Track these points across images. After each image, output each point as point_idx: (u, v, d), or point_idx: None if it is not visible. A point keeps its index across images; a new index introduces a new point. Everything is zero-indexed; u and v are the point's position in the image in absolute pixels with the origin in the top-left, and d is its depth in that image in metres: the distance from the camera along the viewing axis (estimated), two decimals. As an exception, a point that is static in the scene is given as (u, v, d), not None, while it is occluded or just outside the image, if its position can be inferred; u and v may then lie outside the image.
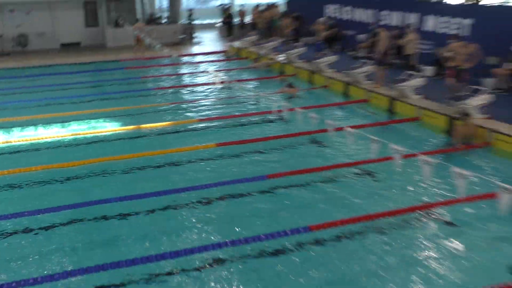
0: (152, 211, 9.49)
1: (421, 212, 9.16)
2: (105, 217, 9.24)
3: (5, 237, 8.57)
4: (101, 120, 15.07)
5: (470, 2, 29.86)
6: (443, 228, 8.81)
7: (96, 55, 25.66)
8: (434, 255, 8.02)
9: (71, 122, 14.83)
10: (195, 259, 7.82)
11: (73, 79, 21.12)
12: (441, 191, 9.90)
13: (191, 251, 7.91)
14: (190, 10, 30.83)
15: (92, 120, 15.01)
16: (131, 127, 14.16)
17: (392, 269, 7.72)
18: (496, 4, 28.77)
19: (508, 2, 34.51)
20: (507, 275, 7.31)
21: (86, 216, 9.20)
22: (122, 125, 14.57)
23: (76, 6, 28.28)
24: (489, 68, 15.75)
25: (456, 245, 8.32)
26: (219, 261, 7.86)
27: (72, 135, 13.74)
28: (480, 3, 25.54)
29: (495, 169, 10.77)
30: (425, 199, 9.74)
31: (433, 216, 9.11)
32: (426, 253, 8.10)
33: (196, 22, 31.08)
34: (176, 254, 7.81)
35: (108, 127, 14.55)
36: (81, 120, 15.03)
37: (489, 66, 15.78)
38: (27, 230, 8.75)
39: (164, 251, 7.92)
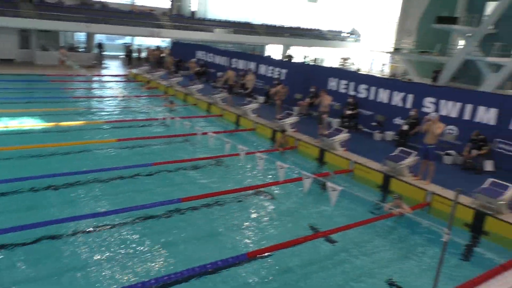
0: (63, 186, 8.69)
1: (255, 190, 9.36)
2: (34, 189, 8.33)
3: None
4: (29, 117, 13.47)
5: (286, 59, 31.43)
6: (267, 201, 9.08)
7: (27, 70, 22.91)
8: (261, 219, 8.23)
9: (4, 118, 13.07)
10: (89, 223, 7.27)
11: (8, 85, 18.61)
12: (269, 176, 10.20)
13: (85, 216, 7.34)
14: (101, 44, 28.73)
15: (23, 117, 13.38)
16: (52, 123, 12.76)
17: (235, 228, 7.77)
18: (300, 62, 30.33)
19: (307, 61, 36.83)
20: (305, 230, 7.68)
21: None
22: (46, 122, 13.12)
23: (13, 32, 25.24)
24: (296, 101, 16.56)
25: (275, 211, 8.61)
26: (112, 225, 7.33)
27: (5, 127, 12.18)
28: (292, 60, 26.62)
29: (300, 163, 11.23)
30: (258, 181, 9.98)
31: (262, 193, 9.35)
32: (255, 217, 8.28)
33: (106, 53, 28.86)
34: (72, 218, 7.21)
35: (34, 123, 13.07)
36: (13, 117, 13.30)
37: (296, 99, 16.61)
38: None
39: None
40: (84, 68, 22.12)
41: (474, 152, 10.47)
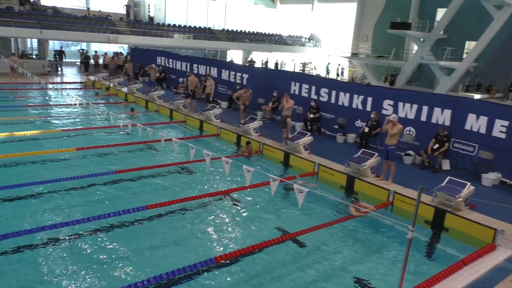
0: (19, 197, 8.33)
1: (222, 195, 9.28)
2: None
3: None
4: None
5: (247, 64, 31.60)
6: (234, 205, 9.03)
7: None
8: (229, 223, 8.17)
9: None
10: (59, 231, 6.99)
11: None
12: (236, 181, 10.15)
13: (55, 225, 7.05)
14: (55, 50, 27.70)
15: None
16: (5, 134, 12.10)
17: (203, 233, 7.68)
18: (261, 67, 30.51)
19: (268, 66, 37.14)
20: (270, 233, 7.67)
21: None
22: (-1, 132, 12.45)
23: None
24: (260, 105, 16.65)
25: (242, 215, 8.57)
26: (75, 236, 7.08)
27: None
28: (254, 65, 26.71)
29: (266, 167, 11.31)
30: (224, 186, 9.90)
31: (229, 198, 9.28)
32: (223, 222, 8.21)
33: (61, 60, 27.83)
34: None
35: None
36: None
37: (259, 104, 16.69)
38: None
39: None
40: (38, 76, 21.23)
41: (436, 147, 10.82)
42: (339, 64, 38.18)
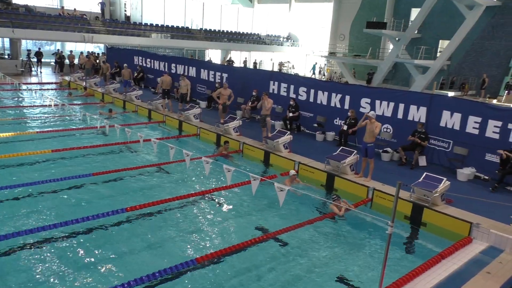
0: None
1: (202, 195, 9.21)
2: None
3: None
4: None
5: (226, 64, 31.52)
6: (215, 205, 8.98)
7: None
8: (210, 224, 8.12)
9: None
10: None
11: None
12: (215, 181, 10.09)
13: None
14: (29, 50, 26.97)
15: None
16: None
17: (183, 234, 7.60)
18: (240, 67, 30.46)
19: (245, 66, 37.12)
20: (252, 233, 7.66)
21: None
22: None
23: None
24: (239, 104, 16.61)
25: (223, 215, 8.54)
26: (53, 240, 6.92)
27: None
28: (233, 64, 26.61)
29: (246, 166, 11.30)
30: (205, 186, 9.83)
31: (209, 198, 9.22)
32: (204, 223, 8.15)
33: (34, 59, 27.08)
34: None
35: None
36: None
37: (239, 103, 16.65)
38: None
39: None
40: (10, 76, 20.65)
41: (416, 141, 11.05)
42: (316, 63, 38.47)
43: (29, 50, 26.81)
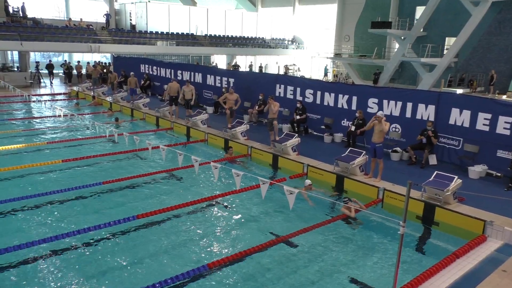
0: (8, 212, 8.16)
1: (212, 201, 9.21)
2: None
3: None
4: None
5: (232, 69, 31.63)
6: (225, 210, 8.97)
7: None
8: (221, 229, 8.11)
9: None
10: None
11: None
12: (225, 186, 10.09)
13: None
14: (37, 62, 27.30)
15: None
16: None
17: (195, 240, 7.60)
18: (246, 71, 30.55)
19: (251, 70, 37.18)
20: (263, 236, 7.63)
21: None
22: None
23: None
24: (246, 109, 16.62)
25: (234, 220, 8.51)
26: (67, 249, 6.95)
27: None
28: (239, 69, 26.66)
29: (255, 171, 11.28)
30: (215, 191, 9.82)
31: (219, 203, 9.21)
32: (215, 228, 8.14)
33: (43, 71, 27.38)
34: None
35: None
36: None
37: (246, 107, 16.66)
38: None
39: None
40: (20, 88, 20.91)
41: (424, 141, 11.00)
42: (327, 65, 38.41)
43: (37, 62, 27.13)
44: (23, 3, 28.77)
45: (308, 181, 9.61)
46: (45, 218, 8.08)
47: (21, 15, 28.30)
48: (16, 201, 8.42)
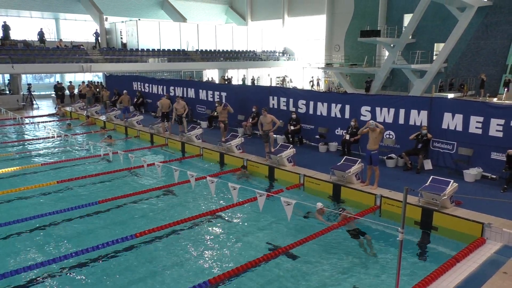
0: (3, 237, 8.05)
1: (210, 215, 9.17)
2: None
3: None
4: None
5: (224, 83, 31.76)
6: (224, 224, 8.94)
7: None
8: (220, 243, 8.07)
9: None
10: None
11: None
12: (222, 200, 10.07)
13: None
14: (29, 84, 27.29)
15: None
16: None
17: (194, 256, 7.56)
18: (238, 84, 30.66)
19: (244, 83, 37.38)
20: (262, 249, 7.59)
21: None
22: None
23: None
24: (240, 121, 16.67)
25: (233, 234, 8.48)
26: (64, 271, 6.87)
27: None
28: (231, 82, 26.67)
29: (251, 183, 11.28)
30: (212, 206, 9.79)
31: (217, 217, 9.19)
32: (214, 243, 8.11)
33: (35, 92, 27.34)
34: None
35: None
36: None
37: (239, 120, 16.72)
38: None
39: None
40: (12, 111, 20.87)
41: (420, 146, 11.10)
42: (312, 77, 38.74)
43: (29, 84, 27.10)
44: (4, 22, 28.84)
45: (319, 204, 8.83)
46: (42, 241, 7.99)
47: (1, 36, 28.36)
48: (12, 224, 8.32)
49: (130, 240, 7.67)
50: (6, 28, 28.81)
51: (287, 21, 42.12)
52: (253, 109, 15.95)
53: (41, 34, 30.31)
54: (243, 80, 38.89)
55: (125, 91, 20.72)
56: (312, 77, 38.88)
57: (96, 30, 33.44)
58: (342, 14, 36.19)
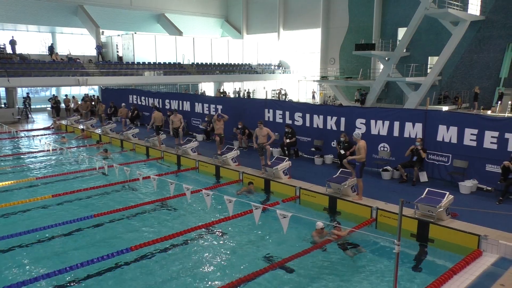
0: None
1: (206, 228, 9.13)
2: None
3: None
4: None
5: (220, 95, 31.86)
6: (220, 237, 8.90)
7: None
8: (216, 257, 8.03)
9: None
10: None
11: None
12: (218, 213, 10.03)
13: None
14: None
15: None
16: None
17: (190, 270, 7.50)
18: (234, 97, 30.75)
19: (239, 96, 37.47)
20: (261, 262, 7.59)
21: None
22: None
23: None
24: (235, 135, 16.69)
25: (229, 247, 8.44)
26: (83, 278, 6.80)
27: None
28: (226, 95, 26.81)
29: (247, 196, 11.25)
30: (208, 219, 9.75)
31: (213, 230, 9.15)
32: (211, 256, 8.05)
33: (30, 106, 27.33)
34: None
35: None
36: None
37: (235, 134, 16.74)
38: None
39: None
40: (7, 125, 20.82)
41: (415, 159, 11.16)
42: (313, 89, 38.94)
43: (25, 98, 27.09)
44: (12, 36, 28.97)
45: (320, 224, 8.30)
46: (36, 255, 7.91)
47: (7, 52, 28.46)
48: (7, 239, 8.25)
49: (125, 254, 7.61)
50: (13, 43, 28.92)
51: (283, 34, 42.53)
52: (239, 126, 16.04)
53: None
54: (238, 93, 39.06)
55: (123, 104, 20.80)
56: (313, 89, 39.11)
57: (98, 44, 33.55)
58: (337, 28, 36.62)
